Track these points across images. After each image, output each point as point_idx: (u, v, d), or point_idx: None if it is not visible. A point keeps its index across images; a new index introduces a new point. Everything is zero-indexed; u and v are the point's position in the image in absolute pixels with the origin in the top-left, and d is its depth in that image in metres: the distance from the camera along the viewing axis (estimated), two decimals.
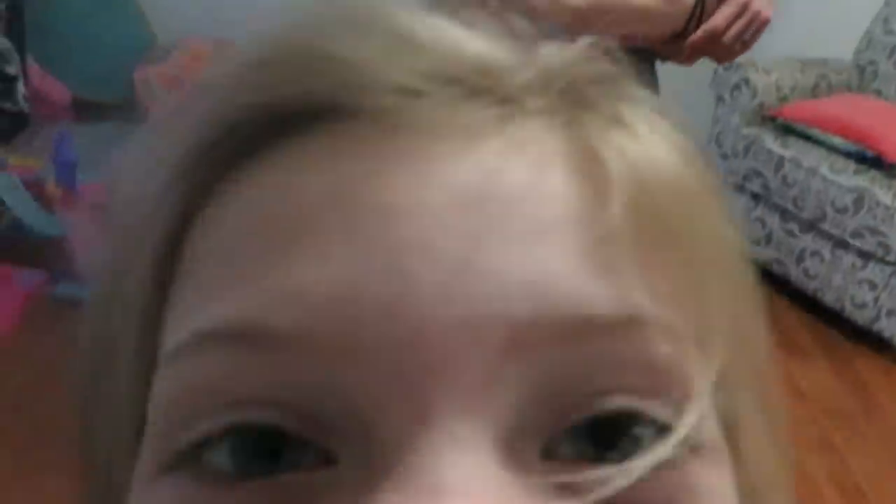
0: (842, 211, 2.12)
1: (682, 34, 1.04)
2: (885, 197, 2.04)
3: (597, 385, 0.19)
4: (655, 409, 0.19)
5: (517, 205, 0.19)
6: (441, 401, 0.18)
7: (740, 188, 2.40)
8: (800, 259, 2.26)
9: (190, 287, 0.21)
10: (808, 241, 2.23)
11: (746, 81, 2.37)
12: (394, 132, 0.20)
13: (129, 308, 0.22)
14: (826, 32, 2.71)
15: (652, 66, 1.16)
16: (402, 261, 0.18)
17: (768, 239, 2.33)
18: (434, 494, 0.17)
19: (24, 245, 2.00)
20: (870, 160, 2.14)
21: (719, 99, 2.46)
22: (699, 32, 1.02)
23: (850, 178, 2.11)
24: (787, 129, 2.32)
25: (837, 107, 2.32)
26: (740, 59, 2.42)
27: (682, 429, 0.19)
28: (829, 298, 2.20)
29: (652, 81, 1.17)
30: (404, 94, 0.20)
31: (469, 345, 0.18)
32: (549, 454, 0.19)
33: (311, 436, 0.19)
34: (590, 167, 0.20)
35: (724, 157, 2.44)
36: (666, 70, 3.00)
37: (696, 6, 1.01)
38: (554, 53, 0.22)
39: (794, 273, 2.27)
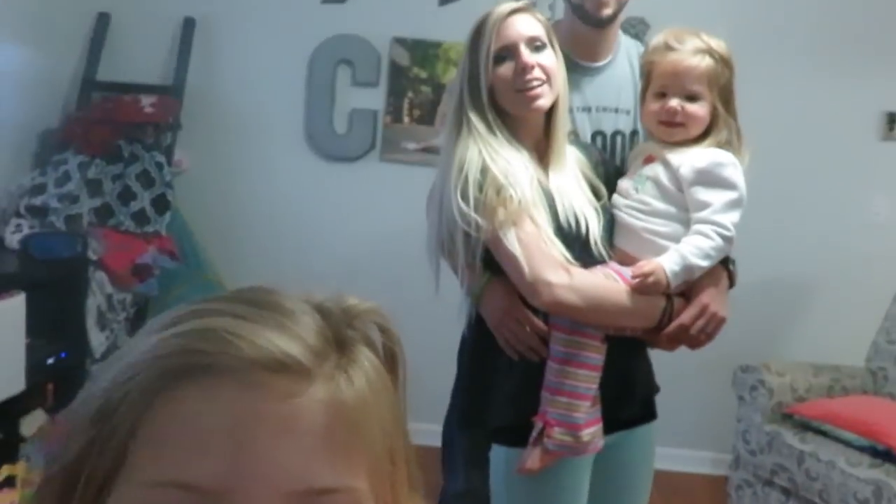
0: (863, 503, 2.23)
1: (659, 327, 1.35)
2: None
3: None
4: None
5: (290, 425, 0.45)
6: None
7: (769, 483, 2.54)
8: None
9: (146, 455, 0.44)
10: None
11: (762, 382, 2.60)
12: (246, 387, 0.44)
13: (103, 456, 0.45)
14: (838, 341, 3.01)
15: (644, 349, 1.49)
16: (237, 461, 0.43)
17: None
18: None
19: None
20: (882, 454, 2.29)
21: (740, 399, 2.68)
22: (671, 326, 1.34)
23: (867, 471, 2.25)
24: (805, 426, 2.51)
25: (848, 405, 2.53)
26: (755, 362, 2.66)
27: None
28: None
29: (645, 365, 1.51)
30: (259, 365, 0.45)
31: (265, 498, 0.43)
32: None
33: None
34: (336, 408, 0.46)
35: (752, 453, 2.61)
36: (691, 374, 3.25)
37: (666, 306, 1.34)
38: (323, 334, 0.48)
39: None
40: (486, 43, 1.32)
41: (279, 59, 3.31)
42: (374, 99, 3.28)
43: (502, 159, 1.29)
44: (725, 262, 1.40)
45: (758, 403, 2.59)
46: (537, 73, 1.32)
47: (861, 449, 2.33)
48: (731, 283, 1.41)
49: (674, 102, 1.36)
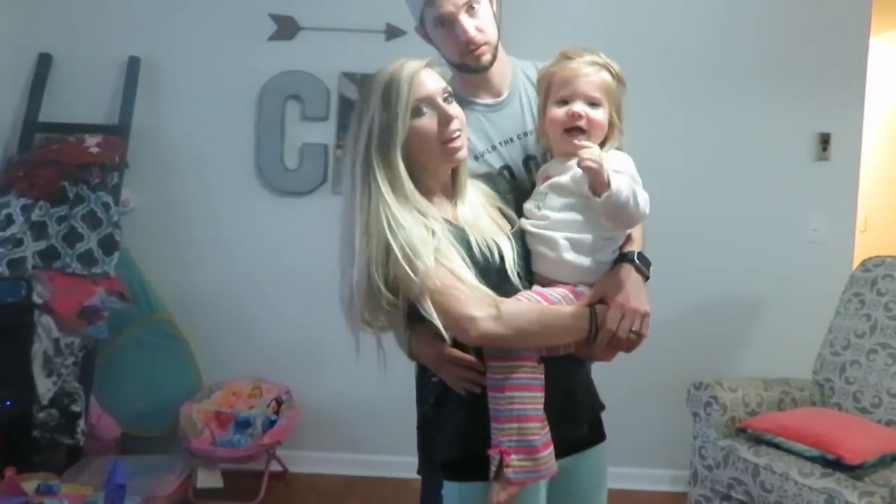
0: None
1: (589, 338, 1.35)
2: (851, 496, 2.21)
3: None
4: None
5: None
6: None
7: (727, 497, 2.58)
8: None
9: None
10: None
11: (715, 398, 2.65)
12: None
13: None
14: (786, 355, 3.11)
15: (586, 367, 1.50)
16: None
17: None
18: None
19: None
20: (832, 463, 2.35)
21: (695, 415, 2.73)
22: (600, 336, 1.35)
23: (818, 480, 2.30)
24: (757, 439, 2.56)
25: (798, 417, 2.59)
26: (708, 379, 2.71)
27: None
28: None
29: (587, 384, 1.52)
30: None
31: None
32: None
33: None
34: None
35: (709, 468, 2.65)
36: (647, 394, 3.29)
37: (591, 317, 1.34)
38: None
39: None
40: (405, 96, 1.32)
41: (227, 95, 3.30)
42: (325, 133, 3.30)
43: (404, 231, 1.29)
44: (633, 260, 1.41)
45: (712, 419, 2.64)
46: (457, 123, 1.35)
47: (812, 459, 2.39)
48: (646, 277, 1.42)
49: (578, 107, 1.40)
